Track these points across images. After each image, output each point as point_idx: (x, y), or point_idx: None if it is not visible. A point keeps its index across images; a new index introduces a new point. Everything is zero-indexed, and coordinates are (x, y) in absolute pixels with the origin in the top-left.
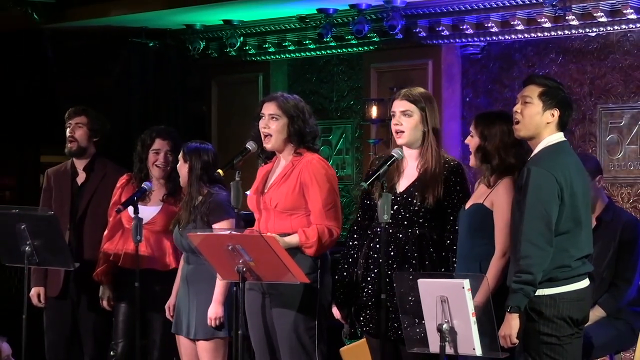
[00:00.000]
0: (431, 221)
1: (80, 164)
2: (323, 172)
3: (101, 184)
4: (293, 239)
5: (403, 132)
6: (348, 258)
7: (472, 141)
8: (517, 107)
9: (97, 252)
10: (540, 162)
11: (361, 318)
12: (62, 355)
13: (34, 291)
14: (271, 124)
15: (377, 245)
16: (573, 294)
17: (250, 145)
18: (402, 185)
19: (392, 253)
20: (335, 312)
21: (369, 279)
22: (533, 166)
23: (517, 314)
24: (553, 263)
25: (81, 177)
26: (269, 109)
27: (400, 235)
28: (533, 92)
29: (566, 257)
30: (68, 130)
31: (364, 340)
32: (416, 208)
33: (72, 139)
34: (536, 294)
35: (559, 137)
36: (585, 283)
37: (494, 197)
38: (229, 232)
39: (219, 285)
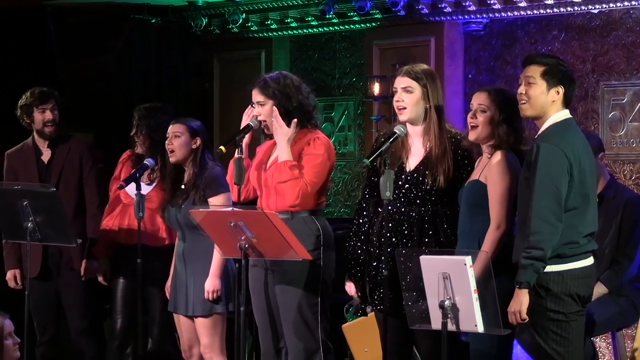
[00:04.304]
0: (443, 198)
1: (43, 142)
2: (323, 147)
3: (67, 158)
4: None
5: (405, 108)
6: (360, 235)
7: (485, 115)
8: (522, 89)
9: (71, 226)
10: (549, 139)
11: (375, 296)
12: (52, 332)
13: (9, 274)
14: (260, 110)
15: (390, 224)
16: (580, 271)
17: (253, 122)
18: (411, 164)
19: (406, 232)
20: (350, 288)
21: (382, 257)
22: (543, 142)
23: (527, 290)
24: (562, 239)
25: (46, 155)
26: (255, 96)
27: (414, 214)
28: (535, 72)
29: (575, 234)
30: (47, 114)
31: (366, 317)
32: (428, 187)
33: (54, 123)
34: (544, 270)
35: (565, 114)
36: (590, 260)
37: (487, 172)
38: (231, 208)
39: (216, 259)
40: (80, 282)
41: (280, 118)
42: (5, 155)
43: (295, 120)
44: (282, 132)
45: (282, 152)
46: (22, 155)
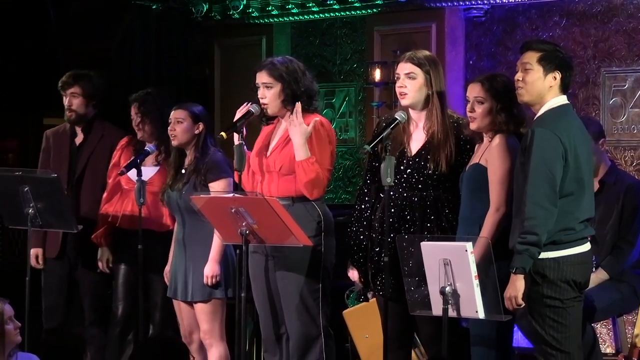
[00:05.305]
0: (445, 182)
1: (78, 126)
2: (324, 133)
3: (99, 144)
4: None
5: (407, 94)
6: (362, 221)
7: (482, 106)
8: (518, 75)
9: (95, 212)
10: (544, 124)
11: (377, 282)
12: (59, 319)
13: (32, 252)
14: (266, 92)
15: (392, 209)
16: (576, 257)
17: (254, 108)
18: (413, 149)
19: (408, 217)
20: (353, 274)
21: (384, 243)
22: (538, 128)
23: (523, 275)
24: (557, 225)
25: (79, 138)
26: (261, 78)
27: (415, 199)
28: (532, 57)
29: (571, 220)
30: (65, 100)
31: (367, 303)
32: (429, 172)
33: (70, 110)
34: (540, 257)
35: (562, 100)
36: (587, 246)
37: (487, 155)
38: (232, 194)
39: (216, 244)
40: (97, 271)
41: (301, 115)
42: (44, 135)
43: (318, 119)
44: (301, 130)
45: (301, 150)
46: (58, 136)
